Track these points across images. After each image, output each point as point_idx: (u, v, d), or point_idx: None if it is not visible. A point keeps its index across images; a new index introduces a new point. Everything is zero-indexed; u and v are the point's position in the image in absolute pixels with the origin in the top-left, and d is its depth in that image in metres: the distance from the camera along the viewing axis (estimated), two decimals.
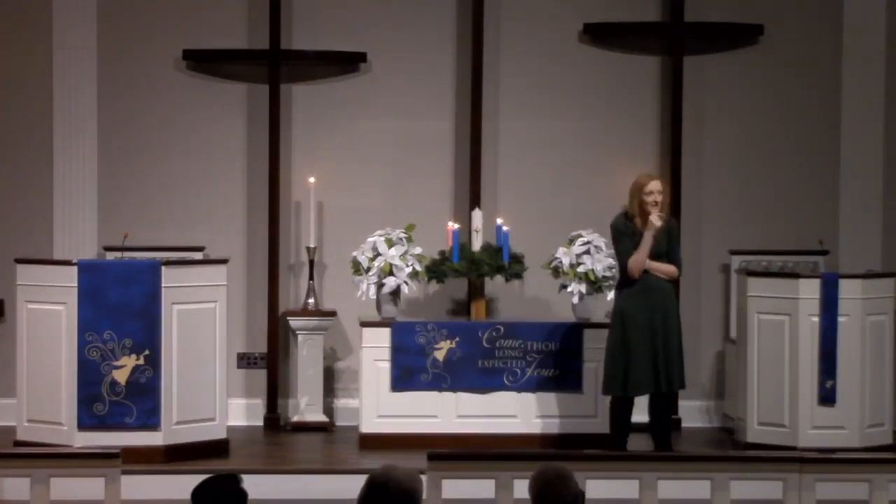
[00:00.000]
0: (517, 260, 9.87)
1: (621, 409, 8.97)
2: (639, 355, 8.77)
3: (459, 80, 10.47)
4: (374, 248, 9.66)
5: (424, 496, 5.59)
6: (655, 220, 8.75)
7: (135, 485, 7.77)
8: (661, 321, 8.81)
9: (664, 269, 8.91)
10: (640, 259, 8.80)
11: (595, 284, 9.64)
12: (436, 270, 9.80)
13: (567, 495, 5.06)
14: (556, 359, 9.53)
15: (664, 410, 9.03)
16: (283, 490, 8.52)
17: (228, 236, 10.37)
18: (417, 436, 9.34)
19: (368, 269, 9.62)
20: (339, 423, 10.20)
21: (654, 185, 8.83)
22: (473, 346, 9.51)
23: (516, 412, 9.49)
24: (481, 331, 9.54)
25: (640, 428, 10.08)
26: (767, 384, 9.27)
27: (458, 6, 10.47)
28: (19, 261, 9.15)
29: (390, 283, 9.57)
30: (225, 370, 9.18)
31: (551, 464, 5.21)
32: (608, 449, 8.76)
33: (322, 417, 10.09)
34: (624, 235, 8.85)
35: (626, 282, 8.89)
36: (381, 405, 9.52)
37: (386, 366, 9.53)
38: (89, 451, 7.09)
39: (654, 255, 8.85)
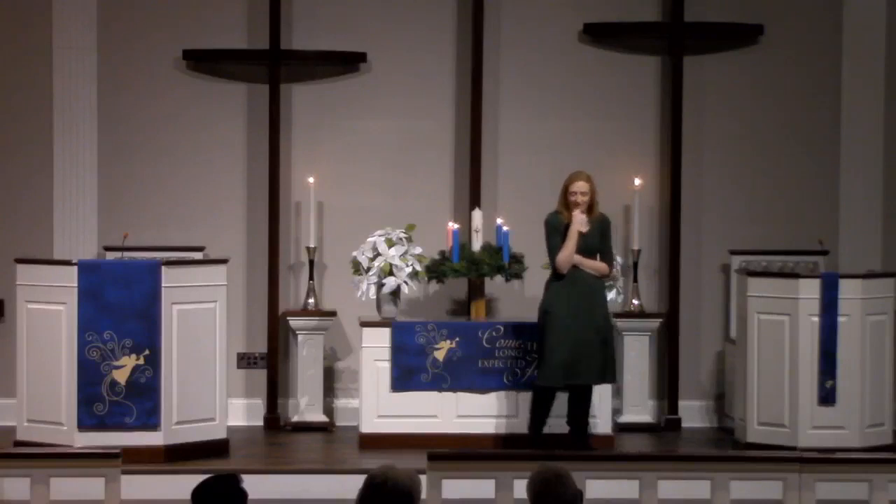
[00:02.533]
0: (517, 260, 9.87)
1: (540, 399, 9.06)
2: (555, 347, 8.88)
3: (459, 80, 10.47)
4: (374, 248, 9.66)
5: (424, 496, 5.60)
6: (576, 218, 8.90)
7: (135, 485, 7.77)
8: (581, 315, 8.88)
9: (595, 265, 9.04)
10: (566, 254, 8.93)
11: None
12: (436, 270, 9.80)
13: (565, 495, 5.06)
14: None
15: (579, 404, 9.05)
16: (283, 490, 8.52)
17: (228, 236, 10.37)
18: (417, 436, 9.35)
19: (368, 269, 9.62)
20: (339, 423, 10.20)
21: (576, 187, 8.98)
22: (473, 346, 9.51)
23: (516, 412, 9.48)
24: (481, 331, 9.53)
25: (640, 427, 10.10)
26: (767, 384, 9.27)
27: (458, 6, 10.47)
28: (19, 261, 9.15)
29: (390, 283, 9.58)
30: (225, 370, 9.18)
31: (549, 464, 5.20)
32: (528, 439, 8.97)
33: (322, 417, 10.09)
34: (555, 231, 8.99)
35: (555, 277, 9.00)
36: (381, 405, 9.52)
37: (386, 366, 9.53)
38: (89, 451, 7.09)
39: (587, 252, 8.97)
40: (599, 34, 10.50)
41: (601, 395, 9.53)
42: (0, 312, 10.26)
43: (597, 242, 9.04)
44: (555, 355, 8.90)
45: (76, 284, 8.80)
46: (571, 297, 8.93)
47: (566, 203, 9.00)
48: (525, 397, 9.48)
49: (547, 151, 10.51)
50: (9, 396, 9.48)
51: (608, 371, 9.03)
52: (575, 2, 10.52)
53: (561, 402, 9.32)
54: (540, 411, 9.12)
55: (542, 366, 9.00)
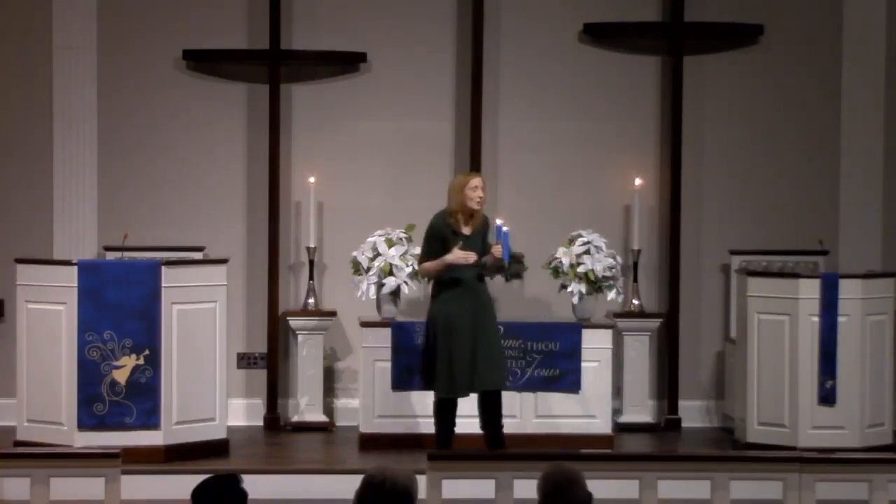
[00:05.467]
0: (517, 260, 9.86)
1: (447, 410, 8.84)
2: (461, 356, 8.64)
3: (459, 80, 10.47)
4: (374, 248, 9.67)
5: (424, 496, 5.59)
6: (457, 253, 8.61)
7: (135, 485, 7.77)
8: (478, 322, 8.68)
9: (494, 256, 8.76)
10: (428, 271, 8.73)
11: (595, 284, 9.65)
12: None
13: (576, 499, 5.04)
14: (556, 359, 9.52)
15: (493, 409, 8.85)
16: (283, 490, 8.52)
17: (228, 236, 10.38)
18: (417, 436, 9.36)
19: (368, 269, 9.62)
20: (339, 423, 10.21)
21: (478, 181, 8.70)
22: None
23: (516, 412, 9.49)
24: None
25: (640, 427, 10.11)
26: (767, 384, 9.27)
27: (458, 6, 10.47)
28: (19, 261, 9.15)
29: (390, 283, 9.58)
30: (225, 370, 9.18)
31: (561, 465, 5.17)
32: (437, 450, 8.63)
33: (322, 417, 10.09)
34: (434, 239, 8.70)
35: (445, 284, 8.74)
36: (381, 405, 9.53)
37: (386, 366, 9.53)
38: (89, 451, 7.09)
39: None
40: (599, 34, 10.50)
41: (602, 395, 9.54)
42: (0, 312, 10.26)
43: (480, 244, 8.76)
44: (461, 365, 8.64)
45: (76, 284, 8.80)
46: (468, 305, 8.69)
47: (462, 202, 8.67)
48: (527, 397, 9.49)
49: (547, 151, 10.51)
50: (9, 396, 9.48)
51: (505, 376, 8.93)
52: (575, 2, 10.52)
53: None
54: (451, 423, 8.85)
55: (449, 377, 8.66)
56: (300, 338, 10.12)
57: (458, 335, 8.66)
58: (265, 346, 10.36)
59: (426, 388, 8.94)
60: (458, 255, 8.61)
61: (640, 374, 10.18)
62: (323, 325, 10.13)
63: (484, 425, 8.93)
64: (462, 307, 8.70)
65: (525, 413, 9.50)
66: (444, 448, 8.79)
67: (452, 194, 8.74)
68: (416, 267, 8.98)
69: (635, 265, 10.31)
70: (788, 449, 8.76)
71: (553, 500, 5.04)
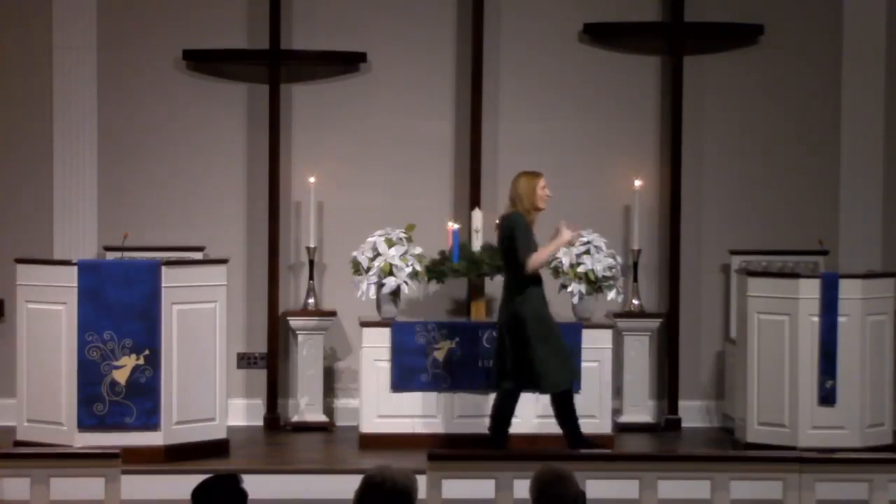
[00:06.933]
0: None
1: (511, 402, 8.96)
2: (562, 349, 8.86)
3: (459, 80, 10.47)
4: (374, 248, 9.66)
5: (424, 496, 5.60)
6: (566, 234, 8.88)
7: (135, 485, 7.77)
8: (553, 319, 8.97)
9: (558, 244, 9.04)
10: (543, 260, 8.84)
11: (595, 284, 9.65)
12: (436, 270, 9.80)
13: (567, 496, 5.06)
14: None
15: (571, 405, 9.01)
16: (283, 490, 8.52)
17: (228, 236, 10.38)
18: (417, 436, 9.36)
19: (368, 269, 9.62)
20: (339, 423, 10.21)
21: (545, 181, 8.89)
22: (473, 346, 9.51)
23: (516, 412, 9.47)
24: (481, 331, 9.53)
25: (640, 427, 10.11)
26: (767, 384, 9.27)
27: (458, 6, 10.47)
28: (19, 261, 9.15)
29: (390, 283, 9.57)
30: (225, 370, 9.18)
31: (551, 464, 5.21)
32: (493, 447, 8.78)
33: (322, 417, 10.09)
34: (529, 232, 8.82)
35: (534, 281, 8.83)
36: (381, 405, 9.53)
37: (386, 366, 9.53)
38: (89, 451, 7.09)
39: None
40: (599, 34, 10.51)
41: (602, 395, 9.55)
42: (0, 312, 10.26)
43: None
44: (570, 357, 8.94)
45: (76, 284, 8.80)
46: (547, 301, 8.90)
47: (535, 202, 8.84)
48: (527, 397, 9.46)
49: (547, 151, 10.51)
50: (9, 396, 9.48)
51: None
52: (575, 2, 10.52)
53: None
54: (510, 415, 8.99)
55: (560, 369, 8.79)
56: (300, 338, 10.12)
57: (558, 331, 8.88)
58: (265, 346, 10.36)
59: (522, 387, 8.88)
60: (574, 233, 8.98)
61: (640, 374, 10.18)
62: (323, 325, 10.13)
63: (572, 422, 8.96)
64: (547, 305, 8.91)
65: (525, 413, 9.49)
66: (502, 445, 8.87)
67: (526, 195, 8.84)
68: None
69: (635, 265, 10.31)
70: (788, 449, 8.76)
71: (546, 498, 5.05)
